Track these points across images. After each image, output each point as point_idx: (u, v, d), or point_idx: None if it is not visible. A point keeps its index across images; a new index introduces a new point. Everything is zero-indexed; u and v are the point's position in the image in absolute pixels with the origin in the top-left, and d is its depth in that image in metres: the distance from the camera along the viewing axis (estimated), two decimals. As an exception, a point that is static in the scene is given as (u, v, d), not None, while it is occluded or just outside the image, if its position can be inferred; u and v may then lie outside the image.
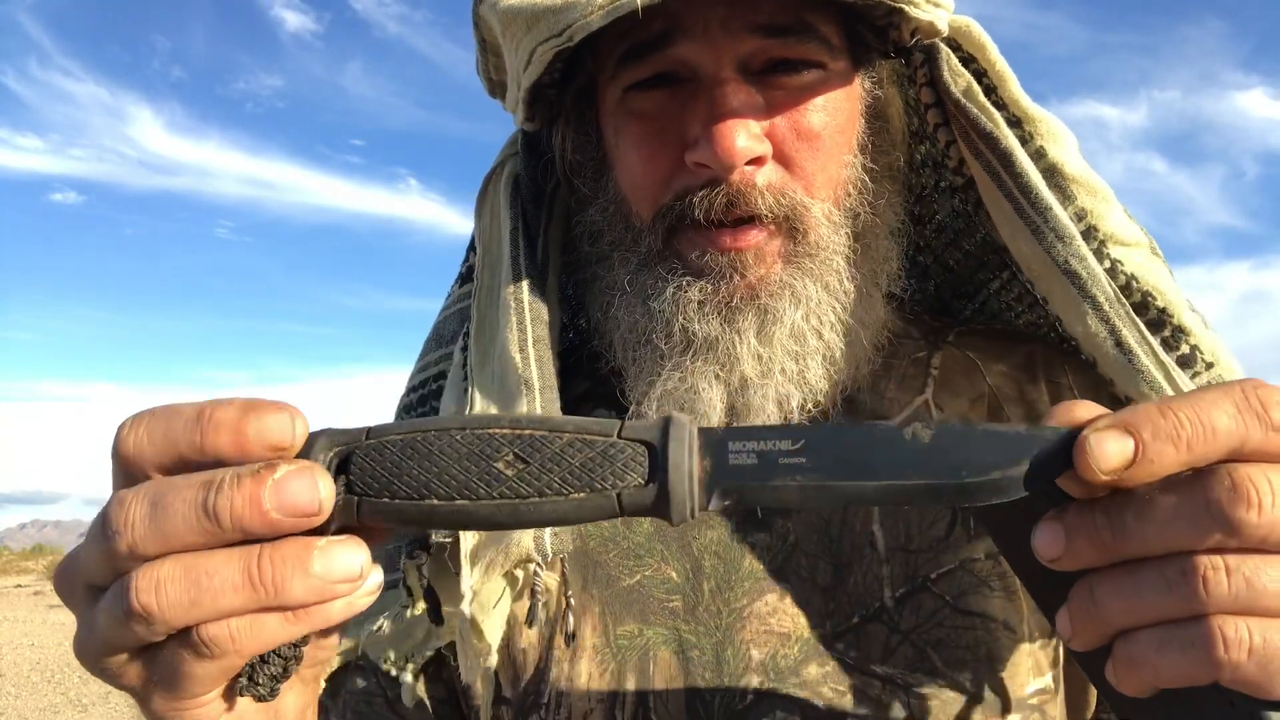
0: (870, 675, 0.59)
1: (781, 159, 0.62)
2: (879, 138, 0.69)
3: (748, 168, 0.60)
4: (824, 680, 0.59)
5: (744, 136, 0.59)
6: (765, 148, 0.61)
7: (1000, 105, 0.66)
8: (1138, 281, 0.63)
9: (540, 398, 0.62)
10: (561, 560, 0.64)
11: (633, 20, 0.59)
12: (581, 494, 0.36)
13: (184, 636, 0.36)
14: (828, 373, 0.64)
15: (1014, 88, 0.66)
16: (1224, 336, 0.64)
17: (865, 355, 0.67)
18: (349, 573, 0.36)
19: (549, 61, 0.61)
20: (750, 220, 0.61)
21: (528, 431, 0.36)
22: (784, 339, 0.62)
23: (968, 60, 0.67)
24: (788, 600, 0.62)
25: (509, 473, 0.36)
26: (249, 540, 0.36)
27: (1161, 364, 0.59)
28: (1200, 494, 0.34)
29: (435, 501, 0.36)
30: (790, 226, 0.62)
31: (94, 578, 0.37)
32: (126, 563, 0.36)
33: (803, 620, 0.61)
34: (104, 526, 0.36)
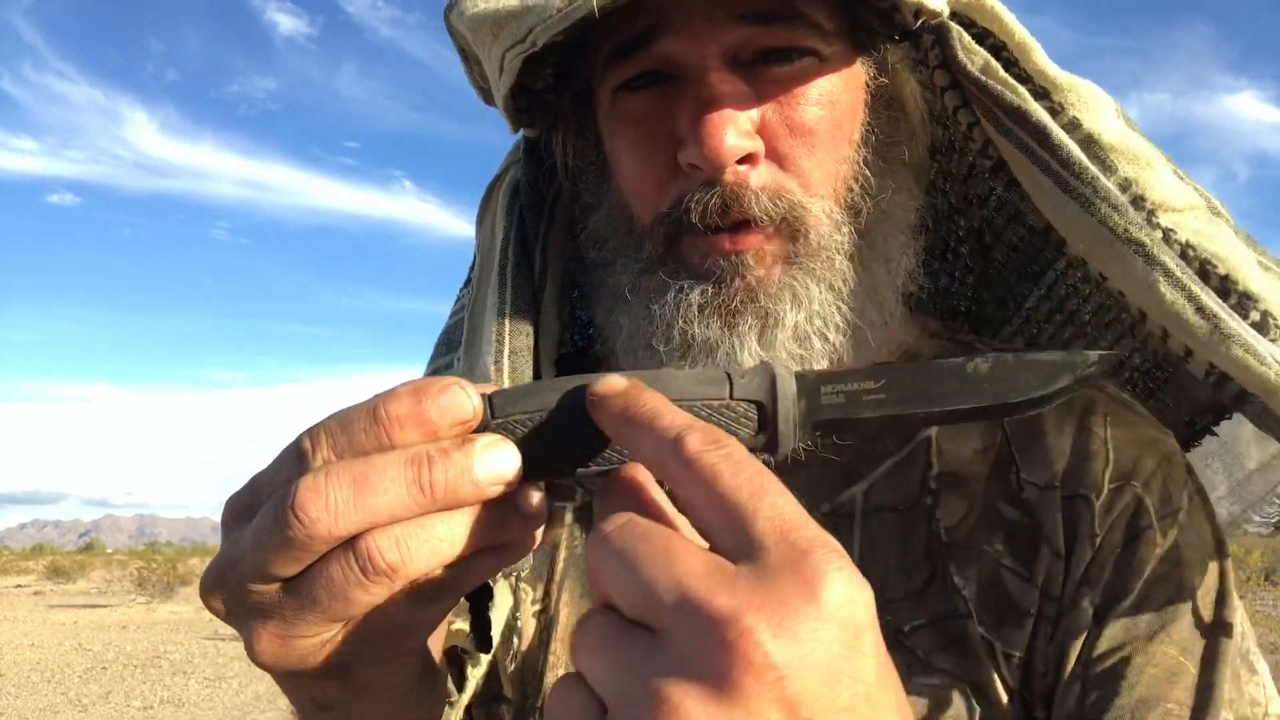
0: None
1: (775, 155, 0.60)
2: (891, 127, 0.66)
3: (740, 167, 0.58)
4: None
5: (733, 133, 0.57)
6: (756, 144, 0.59)
7: (1025, 78, 0.62)
8: (1194, 250, 0.58)
9: None
10: (516, 576, 0.64)
11: (618, 20, 0.58)
12: None
13: (408, 588, 0.37)
14: None
15: (1039, 57, 0.62)
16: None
17: (877, 358, 0.65)
18: (543, 511, 0.40)
19: (530, 64, 0.60)
20: (747, 224, 0.59)
21: None
22: (787, 342, 0.60)
23: (983, 36, 0.63)
24: None
25: None
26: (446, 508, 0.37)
27: (1240, 336, 0.55)
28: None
29: (593, 467, 0.40)
30: (789, 228, 0.60)
31: (280, 572, 0.37)
32: (323, 545, 0.36)
33: None
34: (291, 517, 0.35)
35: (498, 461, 0.37)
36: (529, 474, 0.39)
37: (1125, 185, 0.59)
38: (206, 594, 0.40)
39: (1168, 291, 0.56)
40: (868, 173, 0.64)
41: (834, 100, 0.62)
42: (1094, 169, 0.59)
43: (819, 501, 0.64)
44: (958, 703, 0.58)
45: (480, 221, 0.75)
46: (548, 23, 0.55)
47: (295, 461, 0.38)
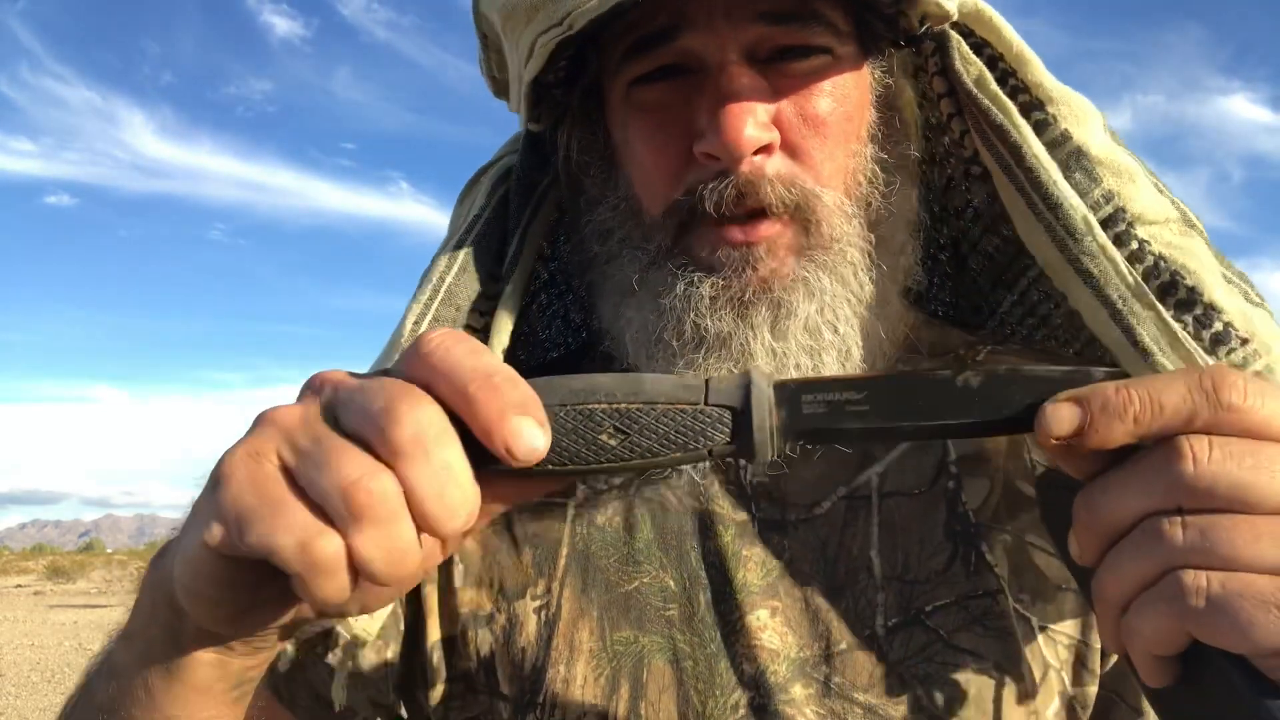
0: (852, 702, 0.58)
1: (789, 147, 0.61)
2: (890, 128, 0.67)
3: (756, 158, 0.59)
4: (808, 701, 0.59)
5: (751, 125, 0.58)
6: (773, 136, 0.60)
7: (1021, 89, 0.65)
8: (1166, 261, 0.61)
9: None
10: (454, 569, 0.64)
11: (637, 14, 0.59)
12: (677, 454, 0.41)
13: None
14: (843, 369, 0.62)
15: (1037, 69, 0.64)
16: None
17: (882, 351, 0.65)
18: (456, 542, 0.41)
19: (550, 54, 0.60)
20: (761, 213, 0.60)
21: (623, 405, 0.41)
22: (798, 333, 0.60)
23: (980, 46, 0.66)
24: (778, 618, 0.61)
25: (612, 443, 0.41)
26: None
27: (1189, 354, 0.58)
28: (1147, 457, 0.38)
29: (551, 467, 0.40)
30: (802, 217, 0.61)
31: (310, 452, 0.36)
32: (366, 456, 0.36)
33: (791, 639, 0.60)
34: (384, 418, 0.36)
35: (531, 433, 0.37)
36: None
37: (1109, 197, 0.62)
38: (307, 385, 0.40)
39: (1109, 322, 0.60)
40: (875, 168, 0.65)
41: (846, 95, 0.63)
42: (1060, 193, 0.61)
43: (835, 485, 0.65)
44: (979, 681, 0.59)
45: (460, 202, 0.75)
46: (587, 8, 0.56)
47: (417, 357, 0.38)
